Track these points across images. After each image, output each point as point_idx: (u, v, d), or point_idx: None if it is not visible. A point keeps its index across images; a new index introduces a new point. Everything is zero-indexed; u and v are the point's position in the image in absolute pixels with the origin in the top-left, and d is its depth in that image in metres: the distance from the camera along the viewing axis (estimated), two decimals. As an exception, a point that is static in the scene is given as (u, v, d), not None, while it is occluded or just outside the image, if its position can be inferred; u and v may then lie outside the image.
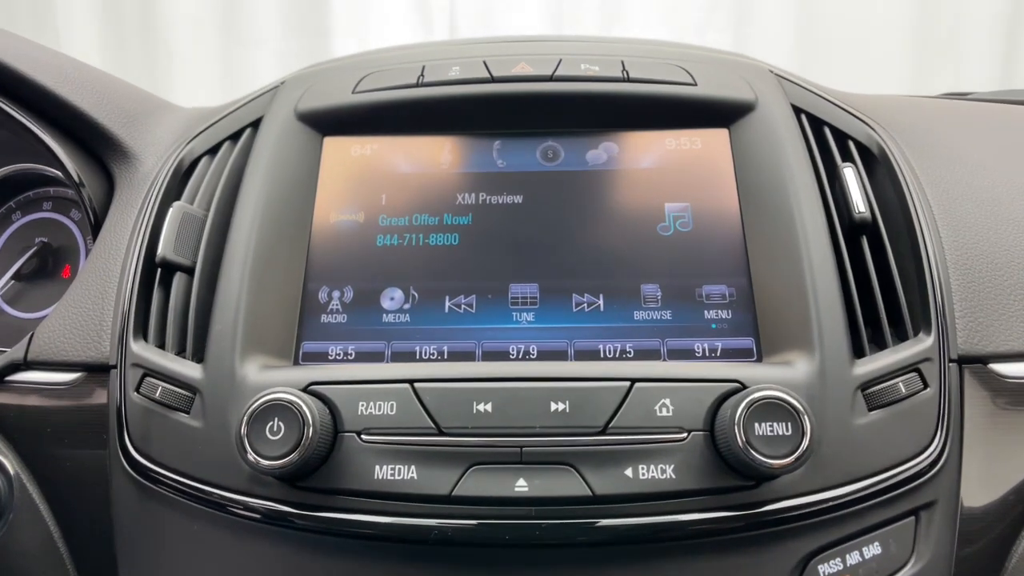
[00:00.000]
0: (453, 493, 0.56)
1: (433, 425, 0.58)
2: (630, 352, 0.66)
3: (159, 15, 2.21)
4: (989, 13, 2.04)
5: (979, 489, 0.63)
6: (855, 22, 2.07)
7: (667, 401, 0.58)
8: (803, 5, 2.10)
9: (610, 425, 0.57)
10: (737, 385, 0.58)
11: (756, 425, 0.54)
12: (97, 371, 0.68)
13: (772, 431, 0.54)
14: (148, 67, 2.18)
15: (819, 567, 0.58)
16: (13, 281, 0.87)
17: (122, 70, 1.30)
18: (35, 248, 0.87)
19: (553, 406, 0.58)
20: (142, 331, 0.68)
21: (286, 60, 2.14)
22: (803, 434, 0.54)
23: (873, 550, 0.59)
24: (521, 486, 0.56)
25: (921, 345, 0.63)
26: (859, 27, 2.07)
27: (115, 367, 0.67)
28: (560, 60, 0.75)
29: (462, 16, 2.15)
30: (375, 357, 0.67)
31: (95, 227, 0.77)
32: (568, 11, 2.15)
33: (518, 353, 0.66)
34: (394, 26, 2.16)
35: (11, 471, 0.68)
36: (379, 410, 0.58)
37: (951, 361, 0.63)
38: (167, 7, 2.21)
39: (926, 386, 0.61)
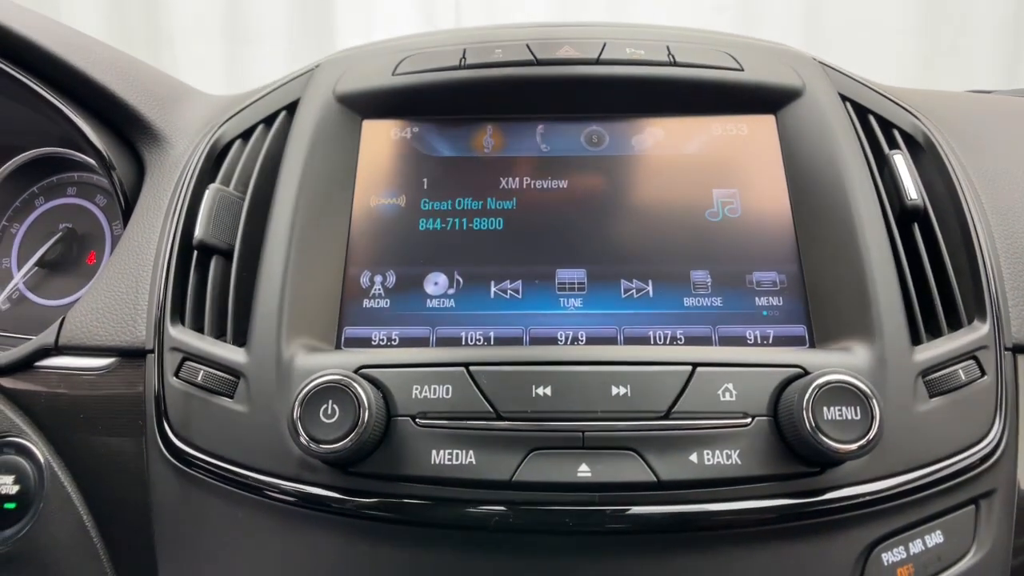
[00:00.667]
0: (514, 478, 0.55)
1: (491, 409, 0.56)
2: (680, 339, 0.64)
3: (163, 15, 2.19)
4: (995, 14, 2.05)
5: None
6: (863, 25, 2.07)
7: (730, 386, 0.57)
8: (811, 8, 2.10)
9: (673, 409, 0.56)
10: (799, 370, 0.57)
11: (824, 409, 0.53)
12: (132, 356, 0.66)
13: (840, 415, 0.53)
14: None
15: (882, 555, 0.57)
16: (36, 268, 0.85)
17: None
18: (60, 234, 0.85)
19: (615, 390, 0.56)
20: (179, 315, 0.66)
21: (290, 60, 2.12)
22: (872, 419, 0.53)
23: (935, 538, 0.58)
24: (584, 471, 0.55)
25: (978, 332, 0.62)
26: (867, 30, 2.07)
27: (152, 352, 0.65)
28: (605, 44, 0.74)
29: (467, 16, 2.14)
30: (420, 343, 0.65)
31: (125, 211, 0.75)
32: (572, 14, 2.14)
33: (566, 339, 0.65)
34: (399, 25, 2.15)
35: (42, 460, 0.66)
36: (434, 394, 0.57)
37: (1006, 349, 0.62)
38: (171, 6, 2.19)
39: (984, 373, 0.61)
